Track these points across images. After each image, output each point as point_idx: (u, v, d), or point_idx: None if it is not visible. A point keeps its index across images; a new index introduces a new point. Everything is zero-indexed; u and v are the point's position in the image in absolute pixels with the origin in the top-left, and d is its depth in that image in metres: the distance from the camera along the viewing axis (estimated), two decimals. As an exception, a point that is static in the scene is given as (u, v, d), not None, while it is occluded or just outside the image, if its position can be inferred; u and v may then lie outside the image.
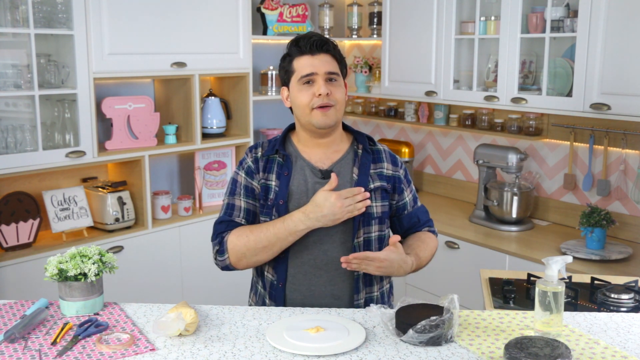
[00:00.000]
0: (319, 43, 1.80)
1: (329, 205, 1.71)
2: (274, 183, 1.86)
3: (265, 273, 1.91)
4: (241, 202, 1.87)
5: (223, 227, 1.86)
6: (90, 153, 3.06)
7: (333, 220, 1.73)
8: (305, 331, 1.58)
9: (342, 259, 1.72)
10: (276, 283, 1.87)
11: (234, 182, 1.90)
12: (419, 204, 2.02)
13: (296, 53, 1.82)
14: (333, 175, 1.75)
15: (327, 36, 1.95)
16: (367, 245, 1.86)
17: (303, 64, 1.80)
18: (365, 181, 1.86)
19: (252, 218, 1.88)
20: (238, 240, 1.80)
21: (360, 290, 1.86)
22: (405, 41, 3.67)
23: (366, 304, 1.86)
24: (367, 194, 1.76)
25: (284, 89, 1.89)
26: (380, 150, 1.94)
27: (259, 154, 1.90)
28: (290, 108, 1.90)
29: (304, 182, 1.85)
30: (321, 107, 1.79)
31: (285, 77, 1.87)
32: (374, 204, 1.87)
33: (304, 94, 1.81)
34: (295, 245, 1.83)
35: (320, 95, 1.78)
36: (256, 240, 1.77)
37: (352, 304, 1.86)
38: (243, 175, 1.89)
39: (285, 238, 1.76)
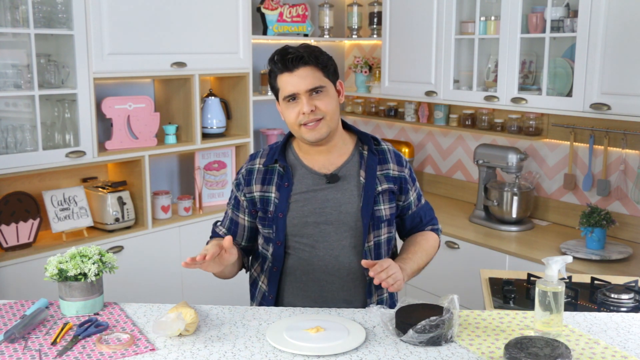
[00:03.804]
0: (294, 59, 1.71)
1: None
2: (273, 195, 1.83)
3: (260, 283, 1.92)
4: (230, 212, 1.96)
5: (211, 234, 2.01)
6: (90, 153, 3.06)
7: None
8: (305, 331, 1.58)
9: (365, 264, 1.67)
10: (267, 295, 1.88)
11: (231, 191, 1.98)
12: (423, 201, 2.00)
13: (277, 70, 1.75)
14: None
15: (309, 42, 1.88)
16: (377, 248, 1.85)
17: (284, 82, 1.74)
18: (372, 184, 1.83)
19: (235, 227, 1.94)
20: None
21: (373, 294, 1.86)
22: (405, 41, 3.67)
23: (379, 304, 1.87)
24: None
25: (277, 101, 1.84)
26: (385, 150, 1.90)
27: (256, 165, 1.88)
28: None
29: (306, 191, 1.82)
30: (308, 124, 1.75)
31: (274, 93, 1.83)
32: (382, 207, 1.84)
33: (290, 111, 1.76)
34: (304, 252, 1.83)
35: (304, 113, 1.73)
36: None
37: (364, 308, 1.84)
38: (234, 186, 1.95)
39: None
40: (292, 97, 1.75)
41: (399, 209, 1.92)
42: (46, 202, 3.06)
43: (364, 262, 1.67)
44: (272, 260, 1.85)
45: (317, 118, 1.75)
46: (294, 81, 1.73)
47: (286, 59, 1.72)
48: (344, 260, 1.82)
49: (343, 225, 1.81)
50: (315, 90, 1.74)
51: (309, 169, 1.85)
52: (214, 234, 1.99)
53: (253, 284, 1.96)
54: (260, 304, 1.90)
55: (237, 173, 1.94)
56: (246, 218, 1.91)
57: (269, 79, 1.83)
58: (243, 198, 1.88)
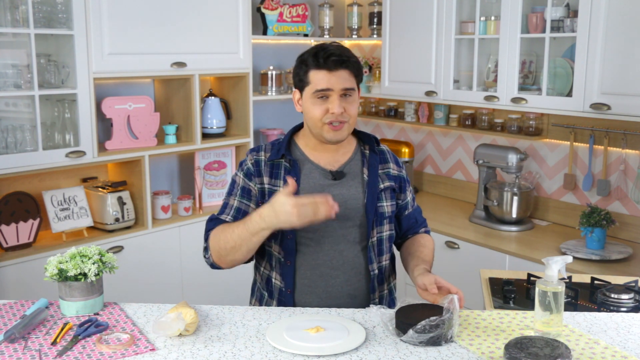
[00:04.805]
0: (337, 61, 1.75)
1: (285, 212, 1.61)
2: (281, 189, 1.84)
3: (273, 280, 1.90)
4: (235, 201, 1.87)
5: (211, 225, 1.86)
6: (90, 153, 3.06)
7: (291, 224, 1.63)
8: (305, 331, 1.58)
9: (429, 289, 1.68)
10: (284, 290, 1.87)
11: (233, 182, 1.92)
12: (415, 204, 2.06)
13: (313, 65, 1.77)
14: (290, 180, 1.65)
15: (345, 45, 1.89)
16: (379, 244, 1.89)
17: (319, 78, 1.76)
18: (375, 181, 1.88)
19: (242, 216, 1.84)
20: (214, 239, 1.79)
21: (376, 289, 1.89)
22: (405, 41, 3.67)
23: (380, 302, 1.90)
24: (332, 202, 1.63)
25: (296, 92, 1.86)
26: (384, 150, 1.98)
27: (262, 157, 1.89)
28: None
29: (314, 185, 1.85)
30: (333, 123, 1.78)
31: (299, 84, 1.83)
32: (384, 204, 1.89)
33: (317, 108, 1.78)
34: (309, 248, 1.84)
35: (333, 112, 1.76)
36: (225, 241, 1.76)
37: (367, 303, 1.87)
38: (242, 176, 1.89)
39: (249, 239, 1.71)
40: (324, 94, 1.77)
41: (398, 207, 1.97)
42: (46, 202, 3.06)
43: (431, 286, 1.67)
44: (285, 255, 1.85)
45: (343, 120, 1.78)
46: (332, 79, 1.76)
47: (329, 59, 1.74)
48: (348, 254, 1.85)
49: (348, 220, 1.85)
50: (346, 93, 1.78)
51: (315, 164, 1.88)
52: (219, 222, 1.85)
53: (267, 282, 1.93)
54: (279, 301, 1.88)
55: (242, 164, 1.91)
56: (256, 208, 1.86)
57: (297, 71, 1.82)
58: (256, 187, 1.86)
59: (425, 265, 1.82)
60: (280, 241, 1.85)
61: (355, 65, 1.80)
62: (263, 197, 1.86)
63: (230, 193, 1.91)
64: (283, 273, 1.86)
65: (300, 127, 1.95)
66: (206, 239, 1.85)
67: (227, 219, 1.85)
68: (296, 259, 1.86)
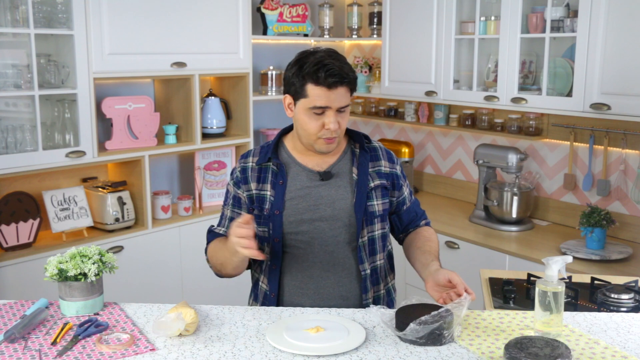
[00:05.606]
0: (338, 80, 1.72)
1: (233, 244, 1.66)
2: (269, 193, 1.85)
3: (260, 283, 1.93)
4: (228, 211, 1.94)
5: (210, 238, 1.96)
6: (90, 153, 3.06)
7: (243, 254, 1.66)
8: (305, 331, 1.58)
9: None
10: (269, 293, 1.88)
11: (227, 192, 1.97)
12: (413, 197, 2.05)
13: (312, 80, 1.73)
14: (246, 216, 1.67)
15: (344, 58, 1.83)
16: (371, 244, 1.88)
17: (317, 95, 1.73)
18: (365, 180, 1.86)
19: None
20: (210, 255, 1.91)
21: (369, 290, 1.87)
22: (405, 41, 3.67)
23: (374, 303, 1.88)
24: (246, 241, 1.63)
25: (288, 97, 1.82)
26: (376, 147, 1.94)
27: (249, 163, 1.90)
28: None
29: (301, 188, 1.84)
30: (327, 138, 1.78)
31: (293, 92, 1.79)
32: (375, 203, 1.87)
33: (313, 122, 1.76)
34: (299, 250, 1.85)
35: (329, 129, 1.75)
36: (217, 258, 1.86)
37: (360, 304, 1.87)
38: (232, 185, 1.93)
39: (230, 258, 1.77)
40: (321, 111, 1.75)
41: (393, 205, 1.95)
42: (46, 202, 3.06)
43: (461, 287, 1.68)
44: (271, 258, 1.86)
45: (337, 136, 1.79)
46: (330, 97, 1.73)
47: (330, 81, 1.71)
48: (339, 256, 1.85)
49: (337, 221, 1.84)
50: (342, 109, 1.77)
51: (302, 166, 1.87)
52: (214, 236, 1.95)
53: (255, 284, 1.97)
54: (263, 304, 1.90)
55: (232, 173, 1.94)
56: (242, 214, 1.90)
57: (292, 79, 1.78)
58: (244, 195, 1.89)
59: (438, 262, 1.83)
60: (271, 245, 1.86)
61: (353, 81, 1.78)
62: (252, 203, 1.88)
63: (225, 203, 1.97)
64: (270, 277, 1.88)
65: (289, 129, 1.93)
66: (206, 251, 1.94)
67: (221, 231, 1.94)
68: (286, 262, 1.86)
